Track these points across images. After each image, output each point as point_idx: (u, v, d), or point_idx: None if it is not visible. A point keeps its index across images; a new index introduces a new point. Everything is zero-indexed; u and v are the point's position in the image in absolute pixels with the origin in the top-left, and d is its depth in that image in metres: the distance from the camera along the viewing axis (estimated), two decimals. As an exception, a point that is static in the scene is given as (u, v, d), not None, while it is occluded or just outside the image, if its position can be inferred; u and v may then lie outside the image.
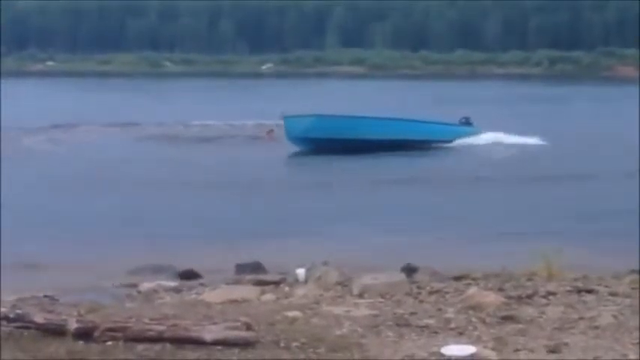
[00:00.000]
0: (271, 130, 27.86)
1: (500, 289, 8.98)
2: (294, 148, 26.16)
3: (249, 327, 7.20)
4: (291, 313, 8.06)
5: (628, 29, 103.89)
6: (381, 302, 8.63)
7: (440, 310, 8.26)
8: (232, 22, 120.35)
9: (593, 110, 43.56)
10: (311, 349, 6.96)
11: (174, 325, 7.12)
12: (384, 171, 22.72)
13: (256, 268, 11.09)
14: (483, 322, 7.79)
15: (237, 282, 10.28)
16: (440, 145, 26.59)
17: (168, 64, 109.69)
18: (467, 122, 28.01)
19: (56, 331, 7.16)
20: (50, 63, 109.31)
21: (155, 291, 9.87)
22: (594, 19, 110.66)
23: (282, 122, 26.46)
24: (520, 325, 7.66)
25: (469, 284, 9.36)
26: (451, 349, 6.94)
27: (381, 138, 25.58)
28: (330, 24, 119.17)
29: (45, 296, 9.45)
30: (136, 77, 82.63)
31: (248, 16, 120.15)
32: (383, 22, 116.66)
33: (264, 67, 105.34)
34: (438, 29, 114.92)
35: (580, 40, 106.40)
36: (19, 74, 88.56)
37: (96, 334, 7.06)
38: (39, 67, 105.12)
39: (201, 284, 10.29)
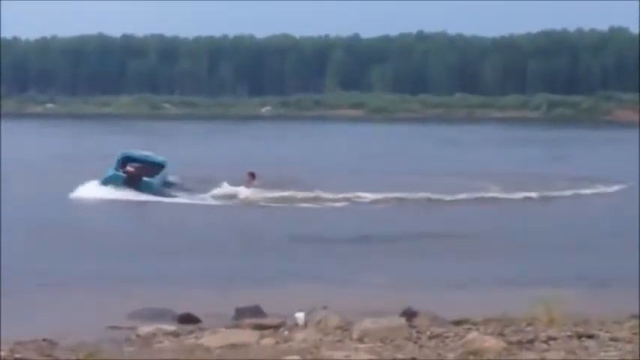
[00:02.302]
0: (252, 174, 28.16)
1: (501, 334, 8.93)
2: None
3: (248, 372, 7.16)
4: (290, 358, 8.01)
5: (627, 74, 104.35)
6: (380, 347, 8.58)
7: (440, 355, 8.20)
8: (232, 65, 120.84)
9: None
10: (311, 394, 6.91)
11: (174, 370, 7.08)
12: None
13: (256, 312, 11.04)
14: (484, 367, 7.74)
15: (236, 326, 10.23)
16: None
17: (167, 106, 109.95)
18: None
19: (55, 376, 7.12)
20: (50, 105, 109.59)
21: (154, 335, 9.81)
22: (593, 63, 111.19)
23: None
24: (521, 371, 7.61)
25: (469, 329, 9.31)
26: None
27: None
28: (329, 67, 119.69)
29: (44, 340, 9.39)
30: (136, 119, 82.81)
31: (248, 59, 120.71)
32: (382, 66, 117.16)
33: (263, 110, 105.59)
34: (437, 73, 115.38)
35: (579, 84, 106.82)
36: (20, 116, 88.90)
37: (94, 378, 7.02)
38: (39, 109, 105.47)
39: (200, 328, 10.23)
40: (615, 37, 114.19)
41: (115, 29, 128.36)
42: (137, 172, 26.55)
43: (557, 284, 12.30)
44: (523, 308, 9.86)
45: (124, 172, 26.52)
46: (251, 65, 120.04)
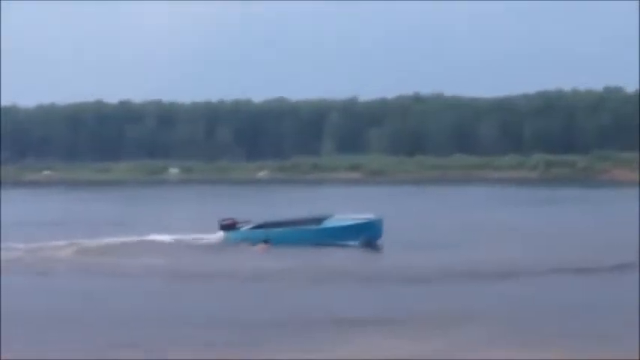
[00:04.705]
0: (264, 242, 28.64)
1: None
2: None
3: None
4: None
5: (623, 133, 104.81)
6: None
7: None
8: (229, 129, 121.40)
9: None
10: None
11: None
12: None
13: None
14: None
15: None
16: None
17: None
18: None
19: None
20: (47, 172, 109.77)
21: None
22: (589, 123, 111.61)
23: None
24: None
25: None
26: None
27: None
28: (326, 130, 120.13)
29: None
30: (134, 185, 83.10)
31: (245, 123, 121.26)
32: (379, 128, 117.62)
33: (260, 174, 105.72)
34: (435, 134, 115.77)
35: (575, 143, 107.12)
36: (17, 184, 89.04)
37: None
38: (36, 176, 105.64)
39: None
40: (611, 96, 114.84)
41: (112, 96, 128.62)
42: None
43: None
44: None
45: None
46: (248, 129, 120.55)
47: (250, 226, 30.15)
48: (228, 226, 30.07)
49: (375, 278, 21.80)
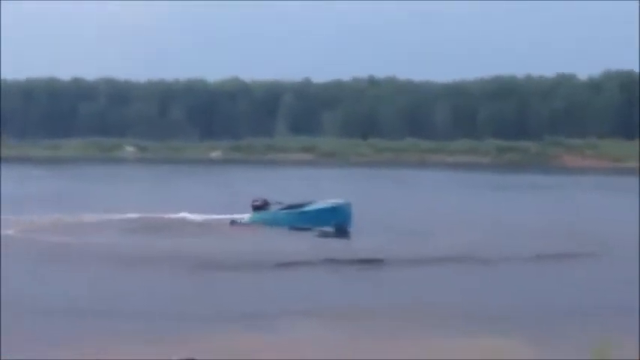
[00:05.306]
0: (234, 221, 29.53)
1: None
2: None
3: None
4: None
5: (574, 120, 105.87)
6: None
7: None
8: (183, 109, 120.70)
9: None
10: None
11: None
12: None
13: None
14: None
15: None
16: None
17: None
18: None
19: None
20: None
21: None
22: (541, 109, 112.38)
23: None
24: None
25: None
26: None
27: None
28: (280, 111, 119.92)
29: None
30: (89, 162, 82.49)
31: (199, 103, 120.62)
32: (333, 110, 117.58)
33: (213, 154, 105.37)
34: (388, 117, 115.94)
35: (528, 129, 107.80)
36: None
37: None
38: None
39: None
40: (563, 83, 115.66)
41: (65, 72, 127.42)
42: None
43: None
44: None
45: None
46: (202, 109, 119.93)
47: (279, 207, 30.91)
48: (259, 207, 30.84)
49: (340, 263, 21.82)
